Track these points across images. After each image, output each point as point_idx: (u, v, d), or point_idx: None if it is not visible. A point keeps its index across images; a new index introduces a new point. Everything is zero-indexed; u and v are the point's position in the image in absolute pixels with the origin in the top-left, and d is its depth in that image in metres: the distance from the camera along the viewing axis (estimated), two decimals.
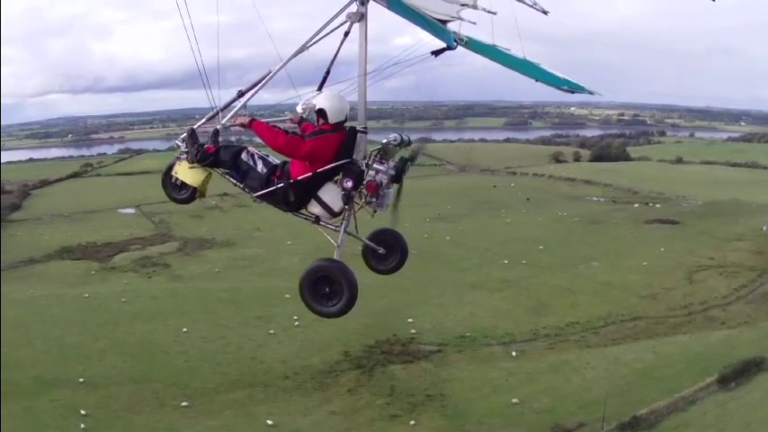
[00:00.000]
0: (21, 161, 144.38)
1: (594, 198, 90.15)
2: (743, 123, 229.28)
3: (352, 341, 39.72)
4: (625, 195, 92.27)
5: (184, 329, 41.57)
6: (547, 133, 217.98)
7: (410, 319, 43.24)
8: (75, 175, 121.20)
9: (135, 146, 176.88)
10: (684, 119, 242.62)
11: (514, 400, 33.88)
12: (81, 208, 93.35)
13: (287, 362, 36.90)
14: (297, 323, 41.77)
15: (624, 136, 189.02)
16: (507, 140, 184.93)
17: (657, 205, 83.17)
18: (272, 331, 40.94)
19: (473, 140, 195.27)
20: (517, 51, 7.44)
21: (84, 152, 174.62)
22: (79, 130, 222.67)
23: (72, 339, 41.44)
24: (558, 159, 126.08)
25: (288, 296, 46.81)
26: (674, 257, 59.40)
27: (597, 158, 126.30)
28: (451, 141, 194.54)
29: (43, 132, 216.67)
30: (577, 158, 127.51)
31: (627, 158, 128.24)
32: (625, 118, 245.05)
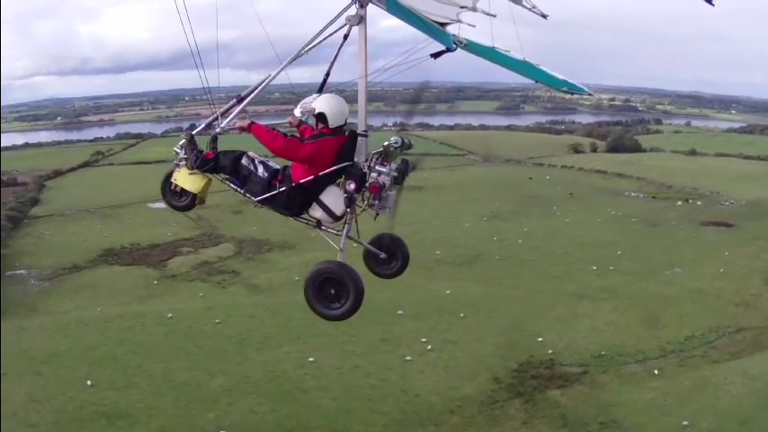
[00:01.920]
0: (16, 146, 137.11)
1: (633, 194, 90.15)
2: (734, 111, 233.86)
3: (495, 365, 38.29)
4: (660, 190, 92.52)
5: (311, 359, 38.32)
6: (542, 119, 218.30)
7: (540, 338, 41.98)
8: (86, 164, 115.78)
9: (125, 129, 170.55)
10: (676, 105, 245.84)
11: (684, 423, 33.17)
12: (106, 202, 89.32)
13: (442, 394, 34.96)
14: (429, 347, 40.12)
15: (621, 123, 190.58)
16: (509, 127, 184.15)
17: (699, 202, 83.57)
18: (408, 357, 38.73)
19: (472, 126, 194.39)
20: (516, 53, 7.56)
21: (77, 135, 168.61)
22: (68, 113, 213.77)
23: (183, 376, 36.98)
24: (576, 150, 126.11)
25: (401, 312, 45.40)
26: (744, 263, 59.49)
27: (613, 149, 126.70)
28: (450, 127, 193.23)
29: (32, 115, 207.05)
30: (594, 149, 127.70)
31: (640, 149, 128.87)
32: (616, 103, 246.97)
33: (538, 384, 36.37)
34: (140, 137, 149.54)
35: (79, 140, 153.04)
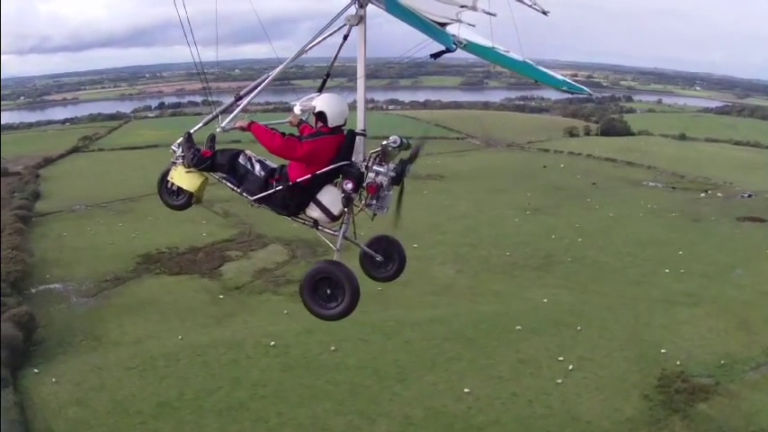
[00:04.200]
0: None
1: (651, 184, 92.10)
2: (698, 88, 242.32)
3: (639, 382, 38.35)
4: (675, 180, 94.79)
5: (466, 389, 36.60)
6: (510, 95, 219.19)
7: (663, 350, 42.24)
8: (75, 150, 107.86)
9: (90, 108, 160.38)
10: (639, 81, 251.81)
11: None
12: (114, 194, 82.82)
13: (609, 417, 34.60)
14: (570, 367, 39.68)
15: (591, 100, 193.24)
16: (486, 105, 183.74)
17: (719, 194, 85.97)
18: (559, 380, 38.13)
19: (444, 103, 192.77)
20: (516, 53, 7.67)
21: (41, 116, 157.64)
22: (31, 92, 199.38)
23: (338, 423, 33.41)
24: (572, 133, 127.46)
25: (519, 327, 44.67)
26: None
27: (605, 132, 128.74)
28: (422, 104, 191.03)
29: None
30: (588, 132, 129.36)
31: (629, 132, 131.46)
32: (579, 79, 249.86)
33: (685, 399, 36.74)
34: (114, 117, 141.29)
35: (50, 122, 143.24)
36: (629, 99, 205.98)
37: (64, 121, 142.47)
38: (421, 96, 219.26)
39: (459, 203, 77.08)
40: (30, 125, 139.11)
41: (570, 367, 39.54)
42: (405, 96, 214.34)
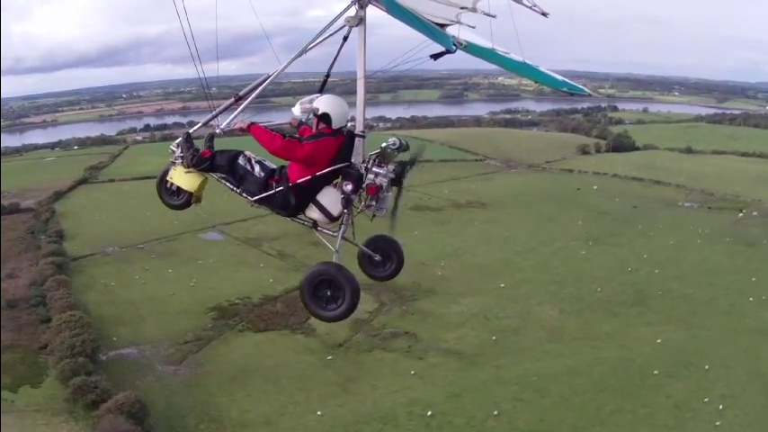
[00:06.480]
0: None
1: (687, 204, 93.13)
2: (676, 93, 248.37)
3: None
4: (705, 198, 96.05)
5: None
6: (493, 108, 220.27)
7: None
8: (84, 181, 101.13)
9: (70, 130, 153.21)
10: (617, 89, 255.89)
11: None
12: (146, 233, 75.04)
13: None
14: (720, 407, 39.88)
15: (577, 111, 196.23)
16: (478, 122, 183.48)
17: (754, 213, 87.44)
18: (717, 423, 38.25)
19: (433, 119, 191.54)
20: (516, 54, 7.68)
21: (21, 139, 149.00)
22: (8, 114, 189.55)
23: None
24: (584, 151, 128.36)
25: (656, 372, 44.60)
26: None
27: (615, 149, 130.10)
28: (412, 121, 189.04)
29: None
30: (598, 149, 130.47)
31: (635, 147, 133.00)
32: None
33: None
34: (105, 141, 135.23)
35: (36, 147, 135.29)
36: (614, 109, 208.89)
37: (53, 146, 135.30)
38: (402, 111, 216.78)
39: (516, 235, 76.26)
40: (18, 150, 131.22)
41: (720, 407, 39.80)
42: (387, 111, 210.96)
